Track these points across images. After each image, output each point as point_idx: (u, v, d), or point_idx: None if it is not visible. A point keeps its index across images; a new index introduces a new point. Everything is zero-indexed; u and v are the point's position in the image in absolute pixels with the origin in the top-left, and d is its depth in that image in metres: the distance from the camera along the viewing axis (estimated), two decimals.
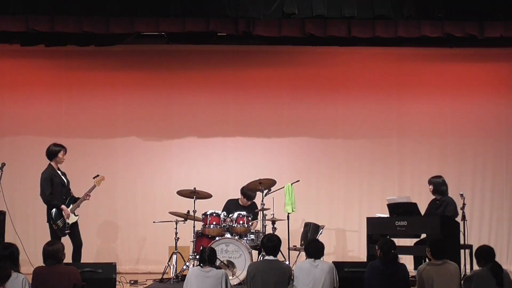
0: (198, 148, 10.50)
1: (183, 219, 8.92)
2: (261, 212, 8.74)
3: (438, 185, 8.73)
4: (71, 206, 8.39)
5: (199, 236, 8.67)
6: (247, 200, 9.21)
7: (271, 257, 6.74)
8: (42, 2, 8.48)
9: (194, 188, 8.79)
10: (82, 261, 8.23)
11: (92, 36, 9.25)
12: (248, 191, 9.13)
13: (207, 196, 8.93)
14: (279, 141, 10.59)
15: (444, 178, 8.82)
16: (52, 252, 6.17)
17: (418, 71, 10.68)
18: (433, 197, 8.82)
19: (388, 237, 7.71)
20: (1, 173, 8.33)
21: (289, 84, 10.59)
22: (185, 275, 6.81)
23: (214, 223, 8.60)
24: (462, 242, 8.19)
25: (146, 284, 8.76)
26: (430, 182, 8.82)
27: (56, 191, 8.33)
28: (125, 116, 10.47)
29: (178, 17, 8.63)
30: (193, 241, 8.68)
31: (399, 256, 6.64)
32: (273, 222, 8.81)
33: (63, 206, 8.30)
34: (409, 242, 8.73)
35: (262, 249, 7.21)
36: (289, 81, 10.59)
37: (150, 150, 10.45)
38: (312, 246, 6.80)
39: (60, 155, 8.47)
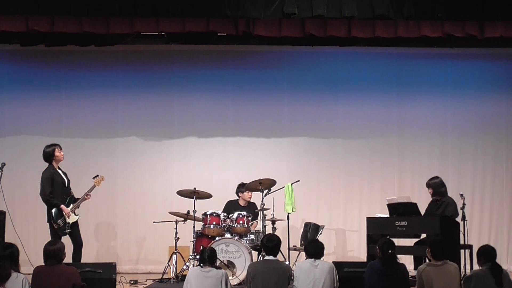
0: (198, 148, 10.49)
1: (183, 219, 8.93)
2: (261, 212, 8.74)
3: (437, 187, 8.67)
4: (71, 205, 8.37)
5: (199, 236, 8.67)
6: (241, 193, 9.24)
7: (271, 257, 6.73)
8: (42, 2, 8.48)
9: (194, 188, 8.79)
10: (82, 261, 8.22)
11: (92, 36, 9.26)
12: (239, 187, 9.24)
13: (207, 196, 8.93)
14: (279, 141, 10.58)
15: (441, 178, 8.77)
16: (53, 252, 6.17)
17: (418, 71, 10.68)
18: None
19: (388, 237, 7.70)
20: (1, 173, 8.32)
21: (289, 84, 10.58)
22: (185, 275, 6.81)
23: (214, 223, 8.60)
24: (462, 242, 8.18)
25: (146, 284, 8.75)
26: (428, 185, 8.73)
27: (56, 191, 8.31)
28: (125, 116, 10.47)
29: (178, 17, 8.64)
30: (193, 241, 8.68)
31: (399, 256, 6.63)
32: (273, 222, 8.81)
33: (62, 206, 8.28)
34: (409, 242, 8.72)
35: (262, 249, 7.21)
36: (289, 81, 10.59)
37: (150, 150, 10.45)
38: (312, 246, 6.80)
39: (57, 153, 8.44)
